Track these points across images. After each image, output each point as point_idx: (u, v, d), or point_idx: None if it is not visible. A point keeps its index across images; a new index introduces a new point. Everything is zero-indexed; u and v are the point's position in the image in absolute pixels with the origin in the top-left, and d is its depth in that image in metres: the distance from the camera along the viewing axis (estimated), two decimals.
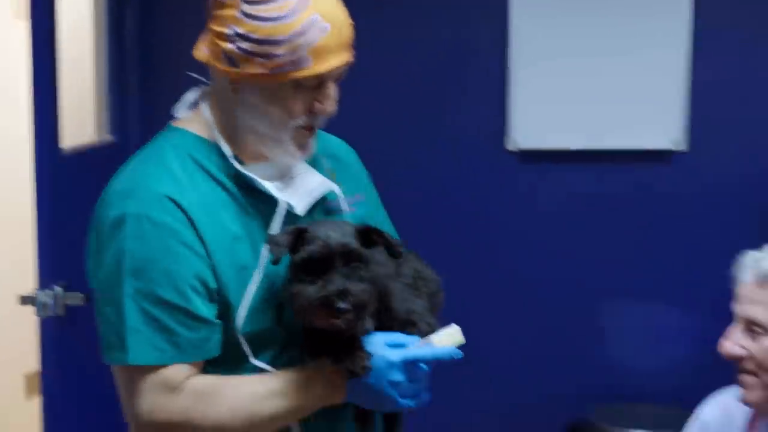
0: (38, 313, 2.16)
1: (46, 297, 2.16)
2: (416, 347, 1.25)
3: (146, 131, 2.54)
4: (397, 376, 1.23)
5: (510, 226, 2.70)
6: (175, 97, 2.49)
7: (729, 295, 1.85)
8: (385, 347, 1.25)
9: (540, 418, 2.70)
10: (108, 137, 2.71)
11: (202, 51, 1.29)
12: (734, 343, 1.63)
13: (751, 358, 1.61)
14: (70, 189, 2.31)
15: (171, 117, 1.64)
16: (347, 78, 1.33)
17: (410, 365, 1.24)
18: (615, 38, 2.68)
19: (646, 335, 2.74)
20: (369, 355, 1.23)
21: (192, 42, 2.06)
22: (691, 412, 1.81)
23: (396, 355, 1.24)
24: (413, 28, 2.70)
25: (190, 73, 1.36)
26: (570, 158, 2.72)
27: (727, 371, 1.69)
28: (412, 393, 1.25)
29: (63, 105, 2.39)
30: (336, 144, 1.50)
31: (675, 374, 2.68)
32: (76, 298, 2.20)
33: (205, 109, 1.32)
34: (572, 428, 2.57)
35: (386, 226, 1.44)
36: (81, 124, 2.68)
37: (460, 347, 1.26)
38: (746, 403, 1.66)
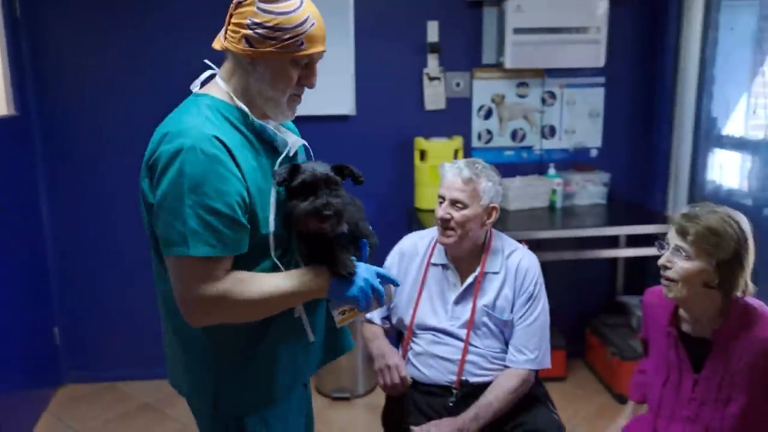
0: None
1: None
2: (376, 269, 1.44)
3: (41, 108, 3.31)
4: (361, 282, 1.41)
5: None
6: (61, 86, 3.20)
7: (381, 189, 2.91)
8: (363, 267, 1.44)
9: None
10: (13, 112, 3.15)
11: (219, 43, 1.42)
12: (445, 212, 1.99)
13: (452, 219, 1.98)
14: None
15: (58, 96, 2.58)
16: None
17: (371, 277, 1.43)
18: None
19: None
20: (354, 264, 1.41)
21: (73, 43, 2.90)
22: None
23: (366, 270, 1.43)
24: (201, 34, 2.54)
25: (206, 62, 1.48)
26: (304, 120, 2.05)
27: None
28: (368, 296, 1.42)
29: None
30: (292, 124, 1.62)
31: None
32: None
33: (220, 82, 1.43)
34: None
35: None
36: None
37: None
38: (444, 244, 2.01)
